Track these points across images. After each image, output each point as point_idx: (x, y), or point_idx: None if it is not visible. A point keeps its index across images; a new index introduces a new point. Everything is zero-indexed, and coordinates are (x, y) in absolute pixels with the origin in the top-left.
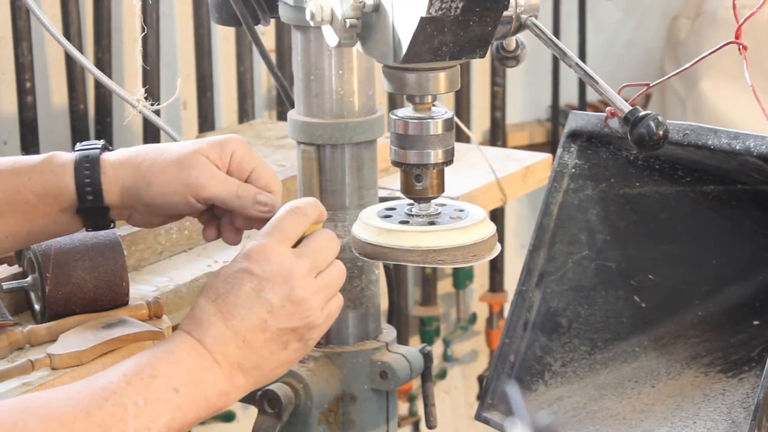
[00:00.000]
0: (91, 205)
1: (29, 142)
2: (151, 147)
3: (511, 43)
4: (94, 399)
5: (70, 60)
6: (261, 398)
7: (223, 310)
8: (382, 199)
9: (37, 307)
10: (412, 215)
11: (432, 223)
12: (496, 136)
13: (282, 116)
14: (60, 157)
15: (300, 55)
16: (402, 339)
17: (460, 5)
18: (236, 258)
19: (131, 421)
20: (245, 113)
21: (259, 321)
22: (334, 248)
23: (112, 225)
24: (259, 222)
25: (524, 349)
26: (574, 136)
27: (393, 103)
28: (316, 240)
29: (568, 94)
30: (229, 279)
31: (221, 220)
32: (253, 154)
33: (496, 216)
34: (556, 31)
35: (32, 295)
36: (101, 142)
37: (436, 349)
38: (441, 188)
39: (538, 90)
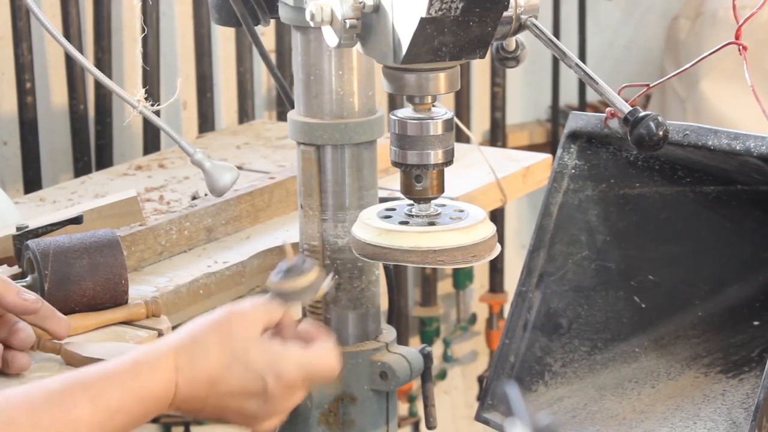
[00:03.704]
0: None
1: (29, 143)
2: None
3: (511, 43)
4: (53, 423)
5: (70, 60)
6: None
7: (219, 383)
8: (382, 200)
9: None
10: (412, 216)
11: (432, 224)
12: (496, 136)
13: (282, 116)
14: None
15: (300, 55)
16: (402, 339)
17: (460, 6)
18: (268, 357)
19: None
20: (245, 113)
21: (225, 409)
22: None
23: None
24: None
25: (524, 350)
26: (574, 136)
27: (393, 104)
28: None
29: (568, 95)
30: (248, 372)
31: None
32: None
33: (496, 216)
34: (556, 32)
35: None
36: None
37: (436, 349)
38: (441, 189)
39: (538, 90)
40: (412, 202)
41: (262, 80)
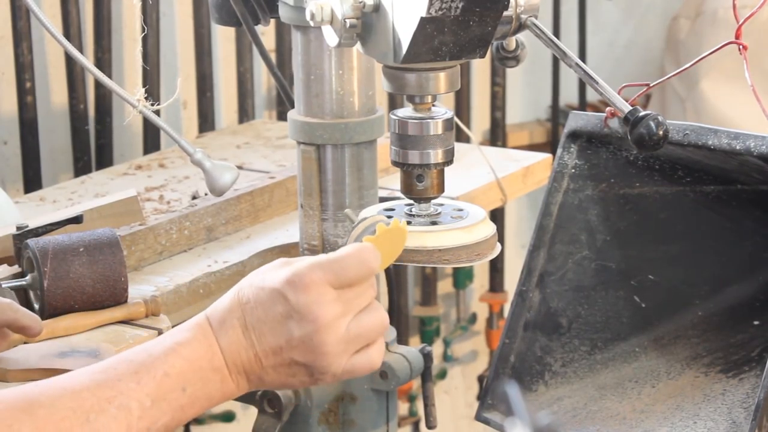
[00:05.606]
0: None
1: (29, 142)
2: None
3: (511, 43)
4: (97, 402)
5: (70, 60)
6: (261, 398)
7: (248, 319)
8: (382, 199)
9: (36, 306)
10: (413, 215)
11: (434, 223)
12: (496, 136)
13: (282, 116)
14: None
15: (300, 55)
16: (402, 339)
17: (460, 5)
18: (280, 273)
19: (134, 424)
20: (245, 113)
21: (276, 346)
22: (371, 293)
23: None
24: None
25: (524, 350)
26: (574, 136)
27: (393, 103)
28: (358, 285)
29: (568, 94)
30: (263, 292)
31: None
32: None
33: (496, 216)
34: (556, 31)
35: (31, 294)
36: None
37: (436, 349)
38: (441, 188)
39: (538, 90)
40: (411, 201)
41: (262, 80)
